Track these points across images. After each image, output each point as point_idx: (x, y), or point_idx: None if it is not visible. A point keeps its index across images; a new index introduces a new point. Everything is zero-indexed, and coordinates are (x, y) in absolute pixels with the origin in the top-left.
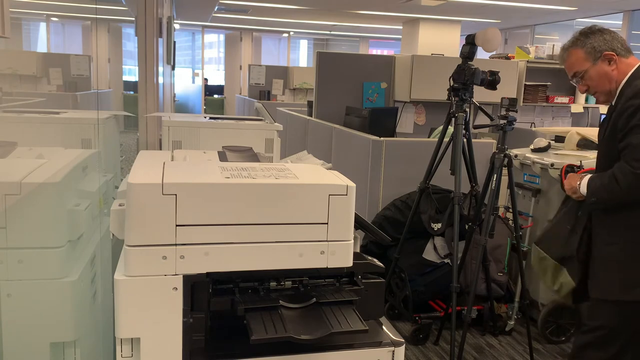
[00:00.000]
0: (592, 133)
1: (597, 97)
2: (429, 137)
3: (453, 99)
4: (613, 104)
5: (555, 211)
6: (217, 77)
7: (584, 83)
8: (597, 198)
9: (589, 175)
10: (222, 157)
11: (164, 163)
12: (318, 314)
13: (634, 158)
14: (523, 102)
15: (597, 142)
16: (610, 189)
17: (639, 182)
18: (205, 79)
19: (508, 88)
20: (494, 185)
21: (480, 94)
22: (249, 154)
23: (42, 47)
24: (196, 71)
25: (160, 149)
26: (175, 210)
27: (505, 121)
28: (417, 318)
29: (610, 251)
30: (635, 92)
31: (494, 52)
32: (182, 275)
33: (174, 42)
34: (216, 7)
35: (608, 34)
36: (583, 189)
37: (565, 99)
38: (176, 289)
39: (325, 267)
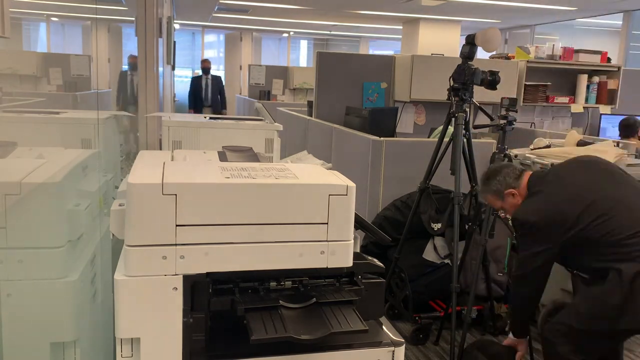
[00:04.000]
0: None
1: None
2: (429, 137)
3: (453, 99)
4: None
5: None
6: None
7: (505, 213)
8: (519, 318)
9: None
10: (222, 157)
11: (164, 163)
12: (318, 314)
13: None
14: (523, 102)
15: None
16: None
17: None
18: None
19: (508, 88)
20: None
21: (480, 94)
22: (249, 154)
23: (42, 47)
24: (196, 71)
25: (160, 149)
26: (175, 210)
27: (505, 121)
28: (417, 318)
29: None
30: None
31: (494, 52)
32: (182, 275)
33: (174, 42)
34: (216, 7)
35: (499, 174)
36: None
37: (565, 99)
38: (176, 289)
39: (325, 267)
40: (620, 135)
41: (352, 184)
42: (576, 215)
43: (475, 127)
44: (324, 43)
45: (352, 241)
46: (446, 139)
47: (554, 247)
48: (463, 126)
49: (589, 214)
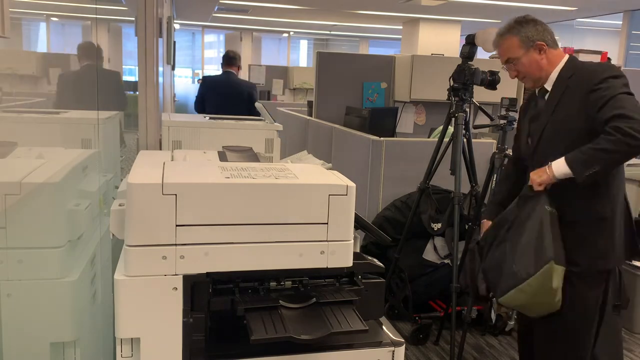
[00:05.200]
0: None
1: (525, 82)
2: (429, 137)
3: (453, 99)
4: (549, 89)
5: None
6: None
7: (515, 69)
8: (602, 164)
9: (558, 160)
10: (222, 157)
11: (164, 163)
12: (318, 314)
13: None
14: (523, 102)
15: None
16: (626, 144)
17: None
18: (199, 80)
19: (508, 88)
20: (494, 185)
21: (480, 94)
22: (249, 154)
23: (42, 47)
24: (196, 71)
25: (160, 149)
26: (175, 210)
27: (505, 121)
28: (417, 318)
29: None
30: (603, 69)
31: (494, 52)
32: (182, 275)
33: (174, 42)
34: (216, 7)
35: (540, 25)
36: (561, 170)
37: None
38: (176, 289)
39: (325, 267)
40: None
41: (352, 184)
42: None
43: (475, 127)
44: (324, 43)
45: (352, 241)
46: (446, 139)
47: None
48: (463, 126)
49: None
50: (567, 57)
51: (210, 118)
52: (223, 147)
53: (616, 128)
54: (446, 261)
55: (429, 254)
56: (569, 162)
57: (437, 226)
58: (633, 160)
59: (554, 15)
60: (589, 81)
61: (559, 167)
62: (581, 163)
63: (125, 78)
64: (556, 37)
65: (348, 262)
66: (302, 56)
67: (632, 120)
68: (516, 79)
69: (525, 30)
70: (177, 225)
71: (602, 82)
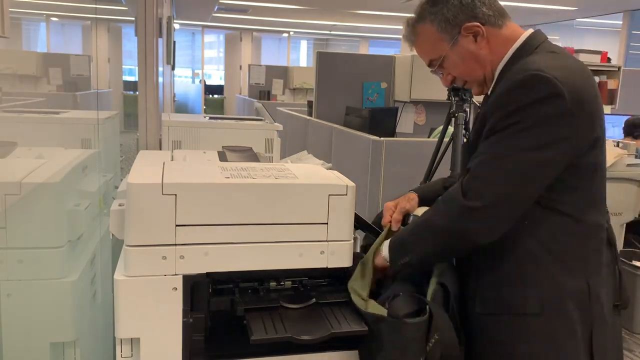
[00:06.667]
0: None
1: (472, 88)
2: (429, 137)
3: (453, 98)
4: (489, 93)
5: None
6: (217, 77)
7: (447, 72)
8: (417, 251)
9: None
10: (222, 157)
11: (163, 163)
12: (318, 314)
13: (477, 183)
14: None
15: None
16: (430, 230)
17: (467, 221)
18: (201, 80)
19: None
20: None
21: None
22: (249, 154)
23: (42, 47)
24: (196, 71)
25: (160, 149)
26: (175, 210)
27: None
28: None
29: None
30: (512, 85)
31: None
32: (181, 275)
33: (174, 42)
34: (216, 7)
35: None
36: (385, 252)
37: None
38: (176, 289)
39: (325, 267)
40: (624, 134)
41: (352, 184)
42: (602, 127)
43: None
44: (324, 43)
45: (352, 241)
46: (446, 139)
47: (578, 142)
48: (463, 126)
49: (602, 144)
50: (525, 35)
51: (210, 118)
52: (223, 147)
53: (456, 192)
54: None
55: None
56: (392, 241)
57: None
58: (633, 160)
59: (554, 15)
60: (504, 83)
61: (385, 248)
62: (399, 244)
63: (125, 78)
64: (555, 37)
65: (348, 262)
66: (302, 56)
67: (477, 185)
68: None
69: (442, 9)
70: (176, 225)
71: (507, 94)
